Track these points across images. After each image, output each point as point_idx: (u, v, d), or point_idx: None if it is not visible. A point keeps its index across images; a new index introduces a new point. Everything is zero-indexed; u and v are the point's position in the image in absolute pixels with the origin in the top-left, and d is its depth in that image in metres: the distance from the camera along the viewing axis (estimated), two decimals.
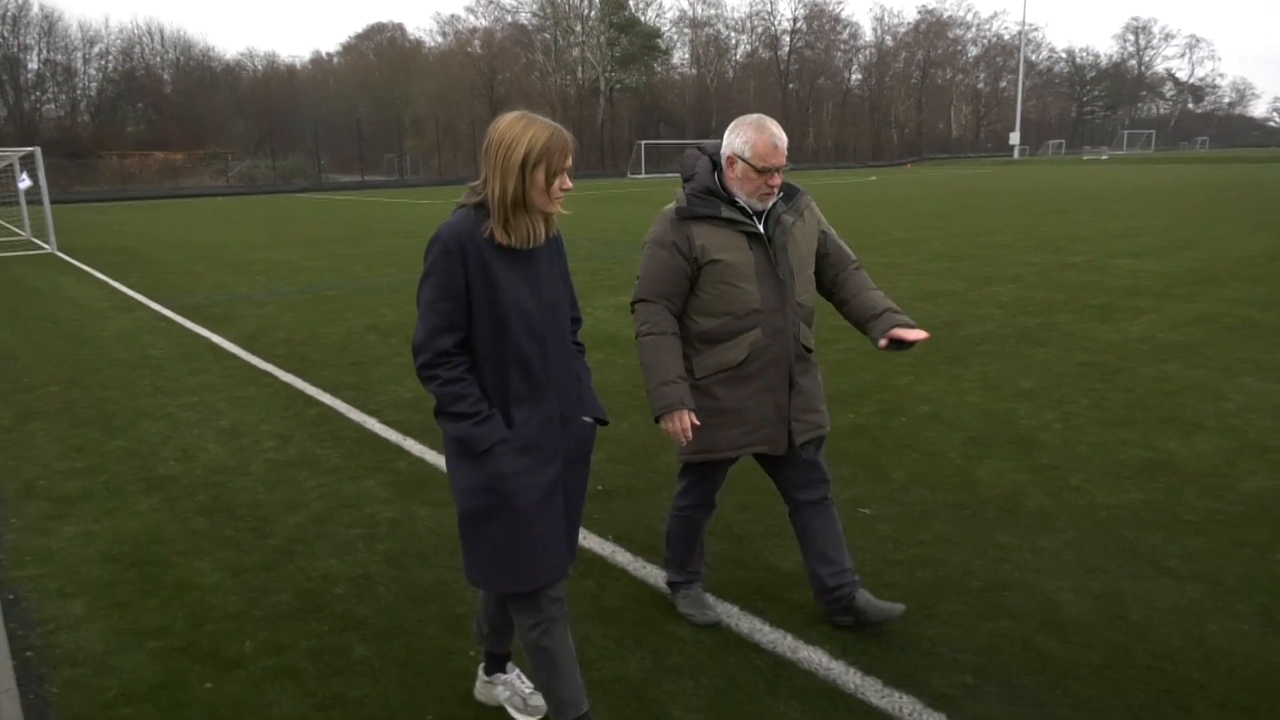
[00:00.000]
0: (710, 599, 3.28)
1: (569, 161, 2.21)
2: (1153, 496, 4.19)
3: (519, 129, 2.17)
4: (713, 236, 2.81)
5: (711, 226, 2.82)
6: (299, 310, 9.92)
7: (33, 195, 19.36)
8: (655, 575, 3.52)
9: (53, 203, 19.12)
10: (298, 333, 8.62)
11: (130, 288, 12.03)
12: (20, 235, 21.85)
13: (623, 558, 3.70)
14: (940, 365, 6.69)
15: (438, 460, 4.93)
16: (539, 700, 2.63)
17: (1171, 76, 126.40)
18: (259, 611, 3.32)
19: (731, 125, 2.84)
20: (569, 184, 2.21)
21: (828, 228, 3.05)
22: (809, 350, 2.97)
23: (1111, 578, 3.43)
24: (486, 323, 2.21)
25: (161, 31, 63.86)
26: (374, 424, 5.63)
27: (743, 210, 2.84)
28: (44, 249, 18.06)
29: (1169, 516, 3.96)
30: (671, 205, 2.90)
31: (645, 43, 71.14)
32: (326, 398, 6.27)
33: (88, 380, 6.93)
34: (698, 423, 2.82)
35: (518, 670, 2.74)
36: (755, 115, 2.80)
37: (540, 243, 2.26)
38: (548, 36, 71.67)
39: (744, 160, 2.77)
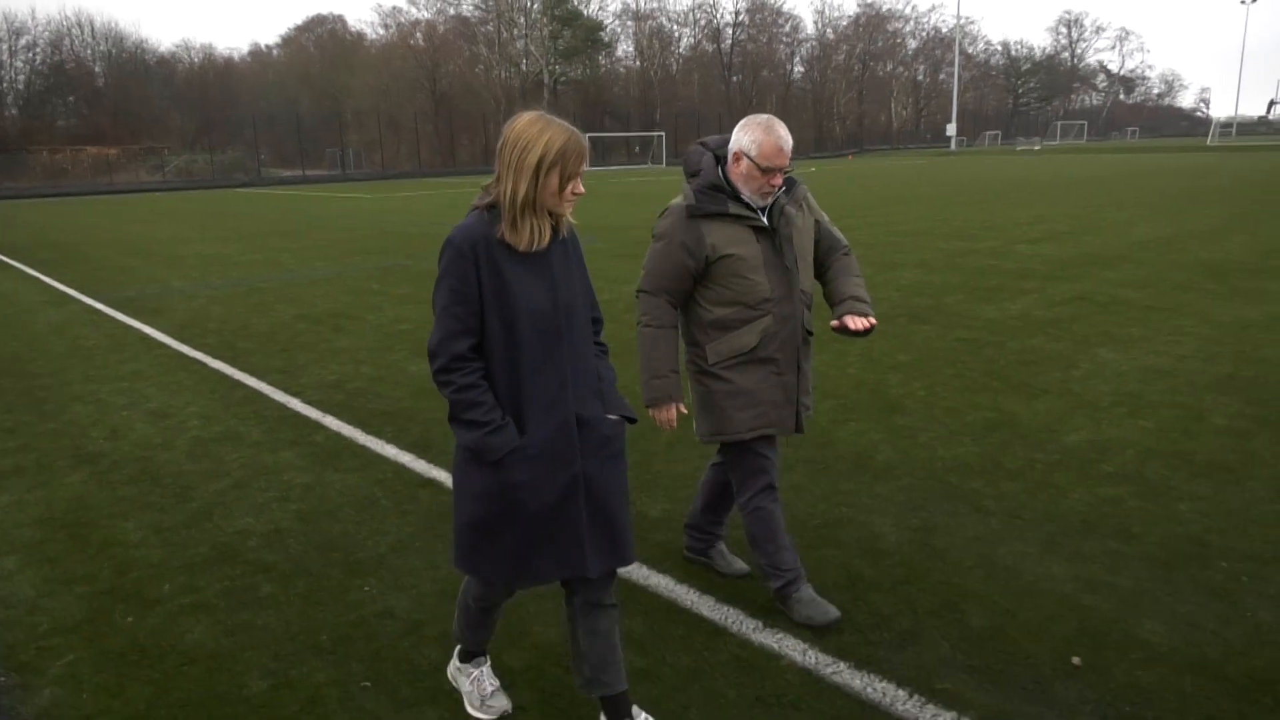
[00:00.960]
0: (815, 591, 3.18)
1: (584, 166, 2.23)
2: (985, 449, 4.76)
3: (536, 130, 2.18)
4: (722, 233, 2.94)
5: (721, 223, 2.94)
6: (230, 302, 10.18)
7: None
8: None
9: None
10: (228, 323, 8.90)
11: (62, 283, 12.13)
12: None
13: None
14: (829, 342, 7.22)
15: (353, 433, 5.33)
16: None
17: (1103, 68, 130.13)
18: (178, 561, 3.72)
19: (742, 123, 2.95)
20: (582, 189, 2.24)
21: (821, 215, 3.21)
22: (810, 334, 3.16)
23: (929, 514, 3.98)
24: (497, 325, 2.22)
25: (92, 23, 62.40)
26: (296, 403, 6.01)
27: (747, 205, 2.98)
28: None
29: (993, 465, 4.53)
30: (680, 200, 3.01)
31: (588, 36, 71.33)
32: (252, 381, 6.62)
33: (19, 370, 7.17)
34: (685, 411, 3.04)
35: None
36: (766, 116, 2.93)
37: (544, 245, 2.25)
38: (490, 29, 71.49)
39: (749, 158, 2.89)
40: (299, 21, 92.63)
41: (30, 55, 58.43)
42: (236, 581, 3.53)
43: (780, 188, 2.98)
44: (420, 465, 4.77)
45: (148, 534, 3.99)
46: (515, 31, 70.21)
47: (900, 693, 2.73)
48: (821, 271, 3.24)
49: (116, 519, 4.17)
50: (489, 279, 2.19)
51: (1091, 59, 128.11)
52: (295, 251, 15.26)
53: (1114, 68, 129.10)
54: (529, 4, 69.76)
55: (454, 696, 2.76)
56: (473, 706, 2.68)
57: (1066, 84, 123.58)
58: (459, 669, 2.76)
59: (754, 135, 2.88)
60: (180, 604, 3.36)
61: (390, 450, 5.02)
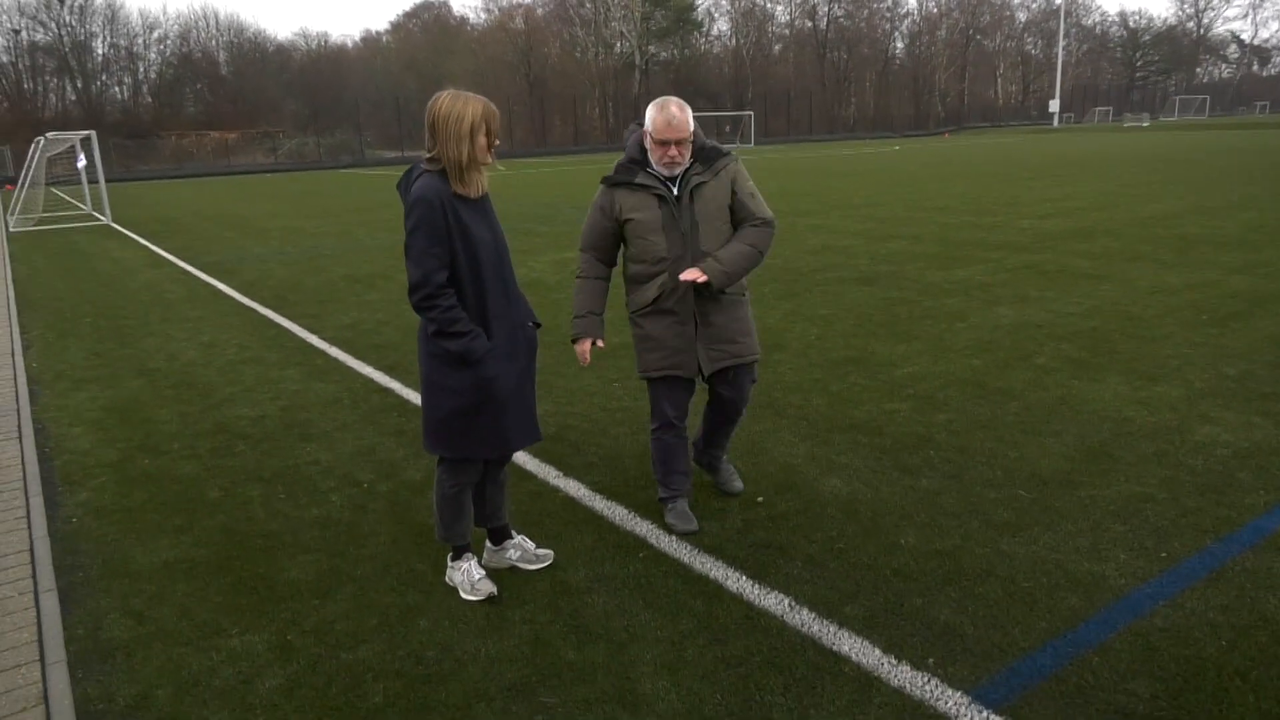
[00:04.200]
0: (686, 507, 3.79)
1: (497, 125, 2.89)
2: (824, 377, 5.87)
3: (460, 104, 2.81)
4: (629, 199, 3.47)
5: (629, 190, 3.47)
6: (294, 265, 11.94)
7: (90, 175, 21.80)
8: None
9: (114, 181, 21.57)
10: (286, 281, 10.61)
11: (164, 250, 14.20)
12: (82, 209, 24.47)
13: None
14: (775, 300, 8.34)
15: (346, 359, 6.82)
16: (545, 551, 3.52)
17: (1235, 38, 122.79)
18: (188, 432, 5.25)
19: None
20: (496, 141, 2.92)
21: (740, 188, 3.53)
22: (721, 291, 3.52)
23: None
24: (464, 258, 2.87)
25: (216, 16, 67.10)
26: (314, 339, 7.55)
27: (656, 176, 3.44)
28: (100, 221, 20.48)
29: (820, 387, 5.65)
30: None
31: (680, 16, 72.16)
32: (287, 323, 8.22)
33: (112, 314, 9.00)
34: (601, 345, 3.61)
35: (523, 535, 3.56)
36: (664, 97, 3.36)
37: (486, 190, 2.97)
38: (587, 11, 73.15)
39: (649, 135, 3.39)
40: (407, 8, 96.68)
41: (162, 47, 63.27)
42: (222, 444, 5.03)
43: (685, 159, 3.42)
44: (384, 380, 6.21)
45: (173, 416, 5.56)
46: (609, 13, 71.59)
47: (625, 512, 3.97)
48: None
49: (155, 408, 5.75)
50: (454, 223, 2.84)
51: (1220, 28, 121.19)
52: (365, 224, 17.07)
53: (1246, 38, 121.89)
54: None
55: (332, 497, 4.17)
56: (465, 592, 3.24)
57: (1191, 56, 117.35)
58: (451, 567, 3.30)
59: (651, 114, 3.37)
60: (181, 454, 4.88)
61: (367, 370, 6.48)
